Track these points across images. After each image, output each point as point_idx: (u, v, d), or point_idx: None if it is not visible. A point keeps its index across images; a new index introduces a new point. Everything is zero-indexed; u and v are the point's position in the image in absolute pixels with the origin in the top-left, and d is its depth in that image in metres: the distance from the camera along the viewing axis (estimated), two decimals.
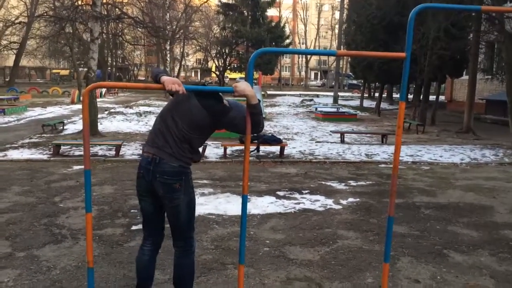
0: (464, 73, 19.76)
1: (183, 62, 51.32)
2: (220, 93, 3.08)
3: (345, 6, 29.64)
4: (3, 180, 7.43)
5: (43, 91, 33.73)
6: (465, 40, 16.71)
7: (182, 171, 2.96)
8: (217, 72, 42.87)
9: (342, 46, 29.56)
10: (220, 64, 42.14)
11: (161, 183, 2.93)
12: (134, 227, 5.22)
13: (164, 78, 2.75)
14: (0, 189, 6.82)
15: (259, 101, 2.87)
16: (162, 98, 29.38)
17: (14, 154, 9.70)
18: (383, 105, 25.86)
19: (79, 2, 16.21)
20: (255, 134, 3.07)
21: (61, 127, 14.21)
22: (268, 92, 39.51)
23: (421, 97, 18.68)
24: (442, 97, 26.38)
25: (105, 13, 16.71)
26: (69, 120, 16.41)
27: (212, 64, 48.86)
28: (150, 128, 3.17)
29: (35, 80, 59.38)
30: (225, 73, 43.78)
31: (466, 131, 15.38)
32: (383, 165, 9.56)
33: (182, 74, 54.09)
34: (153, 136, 3.00)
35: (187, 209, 3.04)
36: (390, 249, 3.04)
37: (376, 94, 31.41)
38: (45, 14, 20.10)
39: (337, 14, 49.04)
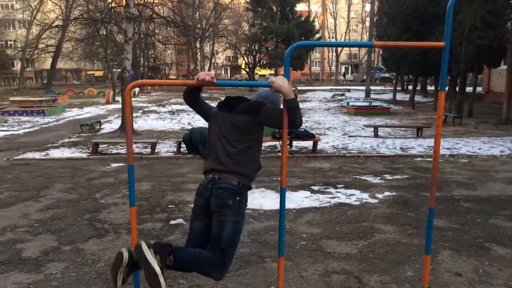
0: (502, 62, 19.06)
1: (213, 60, 51.81)
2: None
3: None
4: (47, 178, 7.75)
5: (79, 92, 34.82)
6: (503, 28, 16.10)
7: (239, 191, 2.94)
8: (247, 69, 43.03)
9: (373, 39, 29.03)
10: (250, 61, 42.27)
11: (216, 197, 2.91)
12: (172, 222, 5.35)
13: (199, 73, 2.85)
14: (45, 186, 7.12)
15: (296, 96, 2.89)
16: None
17: (55, 153, 10.08)
18: (417, 97, 25.27)
19: (112, 4, 16.59)
20: (294, 130, 3.04)
21: (98, 127, 14.64)
22: (299, 88, 39.31)
23: (457, 88, 18.16)
24: (479, 88, 25.53)
25: (137, 14, 17.03)
26: (105, 120, 16.87)
27: (241, 61, 49.09)
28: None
29: (71, 82, 61.41)
30: (255, 70, 43.90)
31: (506, 123, 14.86)
32: (419, 159, 9.38)
33: (212, 72, 54.55)
34: (211, 157, 3.02)
35: (231, 229, 2.91)
36: (432, 241, 3.00)
37: (409, 87, 30.77)
38: (80, 17, 20.69)
39: (367, 7, 48.25)
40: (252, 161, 3.01)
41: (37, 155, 9.90)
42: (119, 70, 29.54)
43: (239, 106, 3.00)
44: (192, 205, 3.11)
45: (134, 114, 16.84)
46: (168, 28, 28.54)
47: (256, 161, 3.05)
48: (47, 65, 48.97)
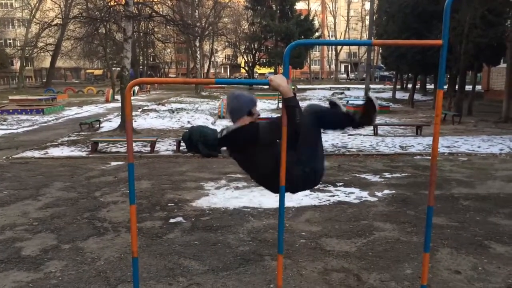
0: (502, 61, 19.09)
1: (212, 59, 51.72)
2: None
3: None
4: (46, 176, 7.75)
5: (79, 91, 34.80)
6: (502, 26, 16.12)
7: (297, 175, 2.97)
8: (246, 68, 43.03)
9: (373, 37, 28.98)
10: (249, 60, 42.30)
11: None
12: (172, 220, 5.35)
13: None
14: (44, 185, 7.12)
15: (294, 94, 2.88)
16: (193, 95, 29.70)
17: (55, 152, 10.07)
18: (417, 96, 25.28)
19: (112, 3, 16.56)
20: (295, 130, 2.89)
21: (98, 125, 14.63)
22: (298, 86, 39.30)
23: (457, 86, 18.18)
24: (478, 87, 25.53)
25: (137, 12, 17.04)
26: (104, 118, 16.86)
27: (241, 60, 49.05)
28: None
29: (70, 80, 61.29)
30: (255, 68, 43.89)
31: (505, 121, 14.87)
32: (418, 157, 9.39)
33: (212, 70, 54.52)
34: None
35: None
36: (430, 239, 3.00)
37: (409, 86, 30.77)
38: (79, 15, 20.65)
39: (367, 5, 48.13)
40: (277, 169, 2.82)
41: (36, 153, 9.89)
42: (118, 68, 29.48)
43: (237, 143, 2.91)
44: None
45: (134, 113, 16.83)
46: (168, 27, 28.52)
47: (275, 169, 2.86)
48: (47, 63, 48.87)
